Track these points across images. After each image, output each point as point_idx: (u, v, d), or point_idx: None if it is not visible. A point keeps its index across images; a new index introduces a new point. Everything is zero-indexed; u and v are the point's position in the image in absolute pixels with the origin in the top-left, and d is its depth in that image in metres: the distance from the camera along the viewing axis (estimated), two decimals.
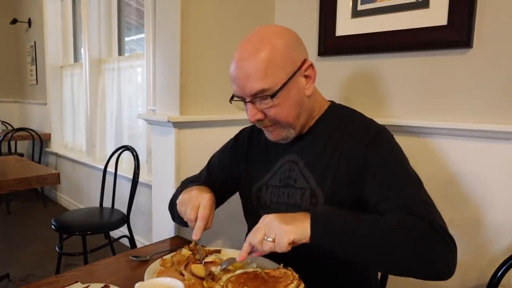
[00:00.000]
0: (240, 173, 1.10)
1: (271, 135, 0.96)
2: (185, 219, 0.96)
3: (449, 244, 0.76)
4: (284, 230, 0.75)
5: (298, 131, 0.96)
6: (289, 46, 0.89)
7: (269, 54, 0.86)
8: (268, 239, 0.76)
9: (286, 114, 0.90)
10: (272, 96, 0.86)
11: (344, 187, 0.89)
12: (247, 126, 1.16)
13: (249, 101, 0.89)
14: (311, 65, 0.93)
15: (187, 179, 1.22)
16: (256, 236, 0.77)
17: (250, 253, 0.81)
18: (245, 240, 0.82)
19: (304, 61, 0.92)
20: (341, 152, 0.91)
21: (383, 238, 0.75)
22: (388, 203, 0.82)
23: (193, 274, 0.84)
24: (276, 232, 0.76)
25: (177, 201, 0.99)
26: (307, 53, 0.95)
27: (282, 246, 0.75)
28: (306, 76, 0.92)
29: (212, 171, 1.16)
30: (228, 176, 1.12)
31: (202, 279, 0.83)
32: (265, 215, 0.81)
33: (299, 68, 0.90)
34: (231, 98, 0.95)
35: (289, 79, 0.88)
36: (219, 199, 1.10)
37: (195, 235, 0.90)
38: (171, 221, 1.17)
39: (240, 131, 1.18)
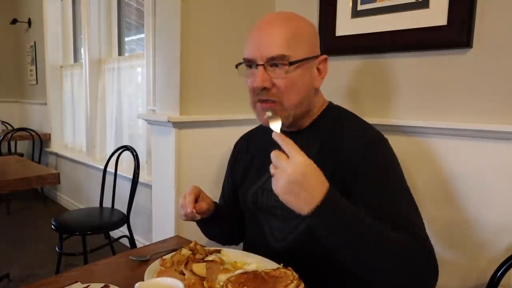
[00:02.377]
0: (239, 179, 1.10)
1: (269, 112, 0.89)
2: (181, 210, 0.98)
3: (436, 275, 0.76)
4: (279, 194, 0.70)
5: (293, 120, 0.91)
6: (313, 34, 0.92)
7: (297, 28, 0.87)
8: (273, 170, 0.71)
9: (293, 91, 0.87)
10: (291, 63, 0.84)
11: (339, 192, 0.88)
12: (240, 136, 1.17)
13: (262, 65, 0.85)
14: (325, 59, 0.94)
15: None
16: (277, 153, 0.71)
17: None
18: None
19: (320, 54, 0.93)
20: (335, 159, 0.89)
21: (380, 246, 0.72)
22: (383, 218, 0.78)
23: (194, 274, 0.84)
24: (277, 175, 0.70)
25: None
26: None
27: (273, 183, 0.71)
28: (318, 69, 0.93)
29: (226, 194, 1.18)
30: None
31: (203, 278, 0.83)
32: (312, 166, 0.71)
33: (316, 57, 0.91)
34: (239, 64, 0.92)
35: (309, 58, 0.88)
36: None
37: (189, 208, 0.94)
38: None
39: (236, 144, 1.17)
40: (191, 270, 0.85)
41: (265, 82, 0.85)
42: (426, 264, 0.75)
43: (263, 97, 0.89)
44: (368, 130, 0.94)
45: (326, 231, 0.72)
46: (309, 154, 0.91)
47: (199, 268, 0.85)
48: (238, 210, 1.11)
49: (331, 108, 1.01)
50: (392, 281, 0.74)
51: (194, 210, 0.95)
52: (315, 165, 0.71)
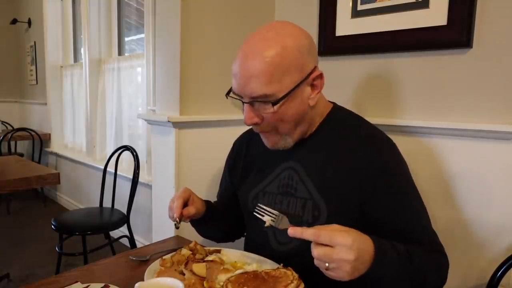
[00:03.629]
0: (238, 179, 1.08)
1: (268, 141, 0.92)
2: (170, 213, 0.97)
3: (447, 267, 0.87)
4: (347, 271, 0.64)
5: (296, 140, 0.91)
6: (301, 52, 0.82)
7: (278, 57, 0.79)
8: (325, 264, 0.65)
9: (285, 123, 0.85)
10: (274, 103, 0.80)
11: (349, 202, 0.86)
12: (240, 134, 1.15)
13: (248, 103, 0.83)
14: (321, 75, 0.87)
15: None
16: (321, 249, 0.65)
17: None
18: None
19: (314, 69, 0.86)
20: (347, 166, 0.87)
21: (420, 278, 0.79)
22: (397, 226, 0.84)
23: (194, 274, 0.84)
24: (338, 265, 0.64)
25: None
26: (317, 60, 0.89)
27: (329, 274, 0.66)
28: (312, 85, 0.86)
29: (223, 192, 1.16)
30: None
31: (203, 278, 0.83)
32: (351, 231, 0.67)
33: (307, 77, 0.84)
34: (228, 93, 0.88)
35: (295, 87, 0.81)
36: (242, 219, 1.11)
37: (176, 213, 0.92)
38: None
39: (234, 143, 1.15)
40: (191, 270, 0.85)
41: (253, 119, 0.84)
42: (446, 269, 0.86)
43: (257, 130, 0.90)
44: (377, 136, 0.92)
45: (380, 280, 0.73)
46: (315, 161, 0.91)
47: (199, 268, 0.85)
48: (236, 208, 1.10)
49: (336, 111, 0.97)
50: None
51: (181, 215, 0.93)
52: (353, 230, 0.68)
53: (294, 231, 0.67)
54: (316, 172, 0.90)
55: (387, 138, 0.92)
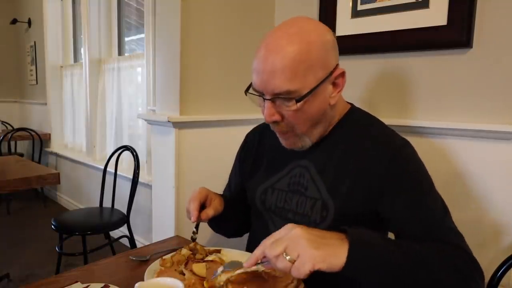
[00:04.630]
0: (248, 172, 1.06)
1: (285, 142, 0.90)
2: (188, 215, 0.96)
3: (481, 275, 0.74)
4: (311, 255, 0.62)
5: (315, 140, 0.89)
6: (326, 48, 0.80)
7: (303, 53, 0.76)
8: (287, 257, 0.62)
9: (305, 121, 0.83)
10: (298, 100, 0.78)
11: (358, 202, 0.84)
12: (252, 128, 1.14)
13: (269, 99, 0.80)
14: (343, 74, 0.85)
15: None
16: (274, 248, 0.64)
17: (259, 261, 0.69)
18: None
19: (336, 66, 0.84)
20: (359, 165, 0.85)
21: (428, 275, 0.69)
22: (418, 227, 0.78)
23: (194, 274, 0.84)
24: (300, 253, 0.62)
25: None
26: (338, 58, 0.87)
27: (302, 272, 0.62)
28: (334, 84, 0.85)
29: (232, 187, 1.14)
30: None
31: (203, 278, 0.83)
32: (292, 225, 0.67)
33: (330, 74, 0.82)
34: (247, 89, 0.85)
35: (319, 84, 0.79)
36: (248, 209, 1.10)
37: (192, 217, 0.91)
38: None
39: (247, 135, 1.13)
40: (191, 270, 0.85)
41: (274, 116, 0.82)
42: (472, 272, 0.73)
43: (275, 129, 0.88)
44: (392, 137, 0.89)
45: (371, 273, 0.67)
46: (328, 161, 0.89)
47: (199, 268, 0.85)
48: (245, 202, 1.08)
49: (353, 112, 0.95)
50: None
51: (199, 218, 0.92)
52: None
53: (248, 262, 0.68)
54: (328, 172, 0.89)
55: (400, 137, 0.90)
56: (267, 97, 0.80)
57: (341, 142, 0.90)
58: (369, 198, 0.83)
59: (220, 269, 0.79)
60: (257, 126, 1.13)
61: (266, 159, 1.02)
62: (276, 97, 0.80)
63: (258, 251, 0.67)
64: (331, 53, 0.82)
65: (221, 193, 1.13)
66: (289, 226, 0.67)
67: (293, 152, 0.93)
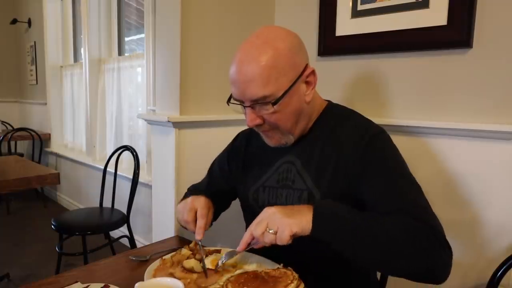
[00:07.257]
0: (238, 175, 1.10)
1: (270, 140, 0.96)
2: (182, 224, 1.00)
3: (447, 251, 0.77)
4: (287, 223, 0.75)
5: (298, 136, 0.95)
6: (292, 51, 0.87)
7: (272, 59, 0.83)
8: (270, 231, 0.76)
9: (285, 121, 0.90)
10: (274, 103, 0.85)
11: (341, 188, 0.89)
12: (245, 128, 1.16)
13: (249, 106, 0.88)
14: (313, 72, 0.91)
15: (191, 186, 1.24)
16: (258, 227, 0.78)
17: (249, 244, 0.82)
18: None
19: (306, 66, 0.90)
20: (338, 153, 0.91)
21: (385, 238, 0.75)
22: (388, 205, 0.81)
23: (185, 269, 0.85)
24: (278, 225, 0.76)
25: (175, 211, 1.02)
26: (308, 57, 0.94)
27: (284, 238, 0.75)
28: (307, 82, 0.91)
29: (213, 177, 1.18)
30: (229, 180, 1.13)
31: (193, 272, 0.84)
32: (268, 207, 0.81)
33: (301, 74, 0.89)
34: (229, 100, 0.93)
35: (291, 85, 0.86)
36: (223, 204, 1.16)
37: (198, 235, 0.94)
38: (171, 221, 1.18)
39: (238, 134, 1.17)
40: (182, 266, 0.86)
41: (255, 121, 0.89)
42: (436, 244, 0.76)
43: (259, 131, 0.95)
44: (369, 124, 0.95)
45: (334, 235, 0.76)
46: (312, 154, 0.95)
47: (189, 263, 0.86)
48: (222, 198, 1.14)
49: (331, 108, 1.01)
50: (408, 267, 0.76)
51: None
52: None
53: (239, 246, 0.82)
54: (312, 164, 0.94)
55: (376, 125, 0.95)
56: (247, 104, 0.88)
57: (322, 134, 0.96)
58: (349, 183, 0.88)
59: (223, 258, 0.88)
60: (247, 129, 1.16)
61: (255, 163, 1.07)
62: (255, 103, 0.87)
63: (246, 235, 0.81)
64: (299, 55, 0.89)
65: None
66: (265, 209, 0.81)
67: (279, 149, 0.99)
